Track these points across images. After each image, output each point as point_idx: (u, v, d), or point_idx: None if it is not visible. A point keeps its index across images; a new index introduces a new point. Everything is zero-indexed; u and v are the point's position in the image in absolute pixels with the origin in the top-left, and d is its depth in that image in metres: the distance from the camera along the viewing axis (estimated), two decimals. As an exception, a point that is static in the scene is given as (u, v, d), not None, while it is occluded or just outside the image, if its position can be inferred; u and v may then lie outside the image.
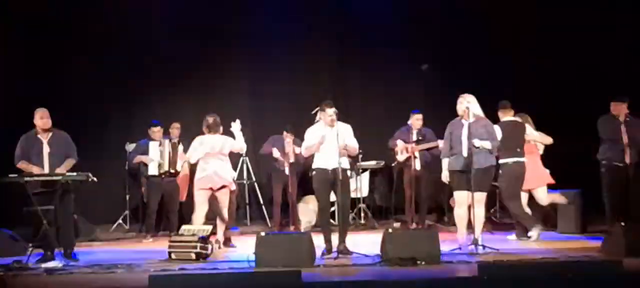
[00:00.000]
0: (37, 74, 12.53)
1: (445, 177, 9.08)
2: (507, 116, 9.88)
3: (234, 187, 10.04)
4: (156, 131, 11.16)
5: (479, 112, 8.94)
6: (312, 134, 8.90)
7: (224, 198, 9.73)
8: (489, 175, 8.96)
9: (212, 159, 9.65)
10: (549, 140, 10.11)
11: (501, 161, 9.61)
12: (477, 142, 8.71)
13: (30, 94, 12.07)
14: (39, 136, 8.91)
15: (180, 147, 11.18)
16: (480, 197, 8.84)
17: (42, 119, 8.89)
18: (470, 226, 8.89)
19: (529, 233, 9.67)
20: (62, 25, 12.74)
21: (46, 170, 8.77)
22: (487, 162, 8.85)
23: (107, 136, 12.86)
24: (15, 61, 12.44)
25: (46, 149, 8.88)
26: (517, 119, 9.92)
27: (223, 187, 9.68)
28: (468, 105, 8.87)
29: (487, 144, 8.80)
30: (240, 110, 13.41)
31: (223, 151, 9.73)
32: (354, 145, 8.97)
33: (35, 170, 8.71)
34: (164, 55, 13.14)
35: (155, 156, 11.08)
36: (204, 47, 13.22)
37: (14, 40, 12.54)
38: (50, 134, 8.94)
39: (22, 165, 8.82)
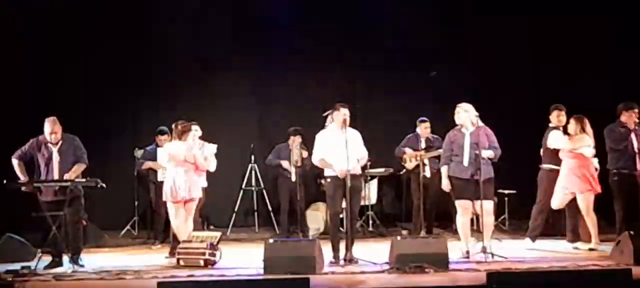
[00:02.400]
0: (43, 77, 12.58)
1: (445, 185, 9.10)
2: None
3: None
4: (163, 139, 11.14)
5: (477, 120, 9.00)
6: (322, 140, 8.89)
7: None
8: (493, 184, 9.02)
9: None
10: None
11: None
12: (484, 153, 8.74)
13: (36, 98, 12.14)
14: (48, 145, 8.90)
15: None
16: (488, 205, 8.87)
17: (50, 134, 8.83)
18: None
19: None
20: (69, 27, 12.79)
21: (56, 178, 8.77)
22: (490, 173, 8.92)
23: (114, 141, 12.86)
24: (20, 64, 12.47)
25: (56, 158, 8.86)
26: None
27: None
28: (466, 114, 8.91)
29: (490, 154, 8.83)
30: (248, 117, 13.50)
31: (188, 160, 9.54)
32: (364, 155, 9.01)
33: (23, 179, 8.70)
34: (172, 60, 13.17)
35: (163, 163, 11.05)
36: (211, 52, 13.25)
37: (19, 42, 12.56)
38: (61, 142, 8.93)
39: (15, 163, 8.77)
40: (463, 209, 8.93)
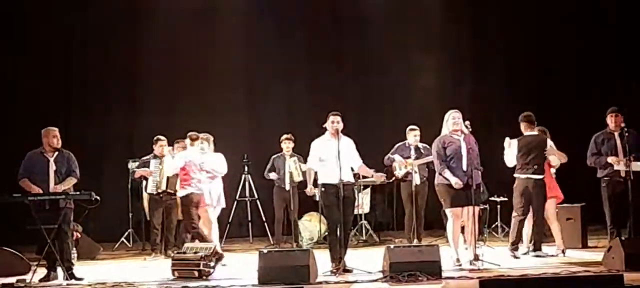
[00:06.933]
0: (35, 89, 12.61)
1: (454, 182, 8.95)
2: (530, 130, 9.83)
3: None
4: (162, 145, 11.05)
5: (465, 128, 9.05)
6: (316, 148, 8.90)
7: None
8: (481, 190, 9.13)
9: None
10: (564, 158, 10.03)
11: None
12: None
13: (29, 109, 12.17)
14: (45, 155, 8.92)
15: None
16: (476, 211, 8.97)
17: (55, 137, 8.90)
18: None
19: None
20: (61, 38, 12.84)
21: (51, 188, 8.80)
22: (480, 177, 9.02)
23: (109, 153, 12.89)
24: (11, 74, 12.51)
25: (52, 167, 8.87)
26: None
27: None
28: (461, 121, 8.94)
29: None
30: (239, 126, 13.53)
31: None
32: (361, 164, 9.05)
33: (36, 189, 8.72)
34: (166, 72, 13.23)
35: (154, 172, 10.98)
36: (204, 63, 13.32)
37: (10, 51, 12.60)
38: (56, 153, 8.96)
39: (23, 183, 8.81)
40: (455, 216, 8.94)
